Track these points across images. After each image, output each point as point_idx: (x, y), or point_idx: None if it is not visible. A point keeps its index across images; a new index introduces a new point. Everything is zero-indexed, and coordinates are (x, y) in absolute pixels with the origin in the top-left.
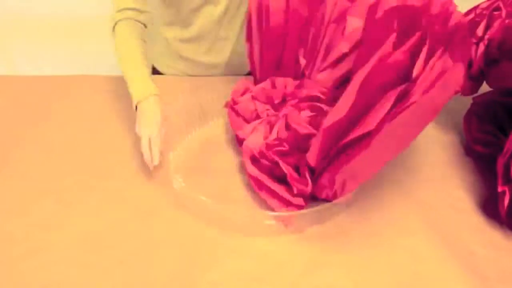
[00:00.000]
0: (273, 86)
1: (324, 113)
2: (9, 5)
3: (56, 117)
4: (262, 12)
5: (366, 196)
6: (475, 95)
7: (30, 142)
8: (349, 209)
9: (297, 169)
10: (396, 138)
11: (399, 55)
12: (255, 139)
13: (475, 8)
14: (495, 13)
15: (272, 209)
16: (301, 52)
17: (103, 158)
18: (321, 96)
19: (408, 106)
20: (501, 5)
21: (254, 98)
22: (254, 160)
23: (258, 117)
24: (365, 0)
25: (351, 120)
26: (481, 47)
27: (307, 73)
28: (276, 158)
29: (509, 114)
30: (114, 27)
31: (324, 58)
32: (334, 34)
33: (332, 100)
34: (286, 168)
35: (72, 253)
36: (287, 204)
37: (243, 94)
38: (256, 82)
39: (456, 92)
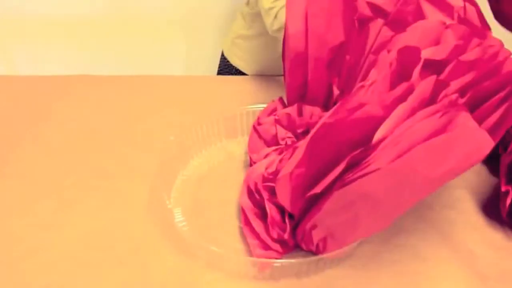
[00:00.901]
0: (300, 113)
1: None
2: (9, 5)
3: (56, 117)
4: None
5: None
6: None
7: (30, 142)
8: None
9: (283, 212)
10: (372, 207)
11: (374, 109)
12: (260, 168)
13: None
14: None
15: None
16: (335, 81)
17: (103, 158)
18: None
19: (366, 174)
20: None
21: (276, 122)
22: (250, 191)
23: (278, 143)
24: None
25: (319, 171)
26: None
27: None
28: (265, 195)
29: None
30: (276, 15)
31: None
32: (372, 65)
33: None
34: (269, 208)
35: (72, 253)
36: (266, 247)
37: (269, 114)
38: (288, 105)
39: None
